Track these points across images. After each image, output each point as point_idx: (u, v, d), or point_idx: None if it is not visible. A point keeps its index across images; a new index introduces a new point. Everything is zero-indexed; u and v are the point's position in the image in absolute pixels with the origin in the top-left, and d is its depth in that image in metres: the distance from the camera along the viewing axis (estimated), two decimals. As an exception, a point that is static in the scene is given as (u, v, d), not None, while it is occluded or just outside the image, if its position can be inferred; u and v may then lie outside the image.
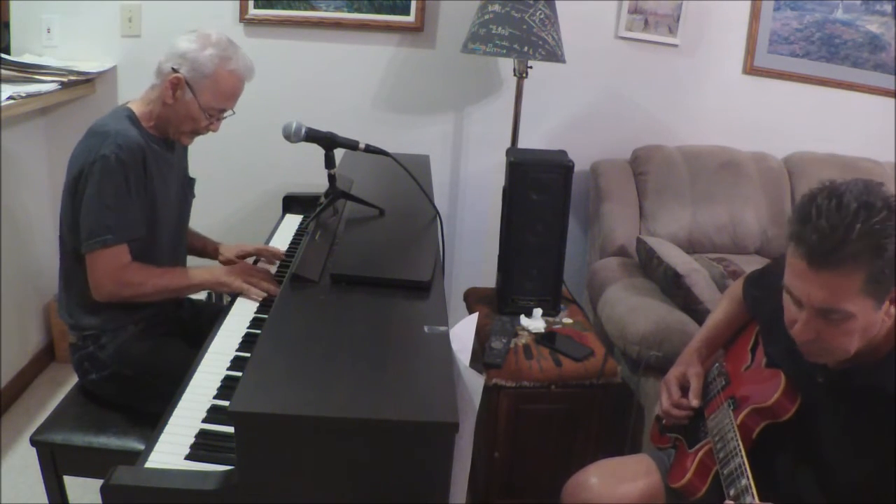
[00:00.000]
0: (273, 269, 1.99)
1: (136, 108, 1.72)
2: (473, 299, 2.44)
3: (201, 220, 2.09)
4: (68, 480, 1.67)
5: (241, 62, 1.73)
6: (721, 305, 1.61)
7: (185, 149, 1.90)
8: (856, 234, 1.03)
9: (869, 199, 1.05)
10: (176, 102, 1.68)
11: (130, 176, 1.60)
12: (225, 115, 1.77)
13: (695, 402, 1.45)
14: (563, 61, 2.44)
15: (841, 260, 1.04)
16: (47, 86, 2.40)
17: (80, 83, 2.58)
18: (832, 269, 1.05)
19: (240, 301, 1.73)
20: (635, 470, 1.51)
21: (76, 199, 1.61)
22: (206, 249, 2.10)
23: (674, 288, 2.21)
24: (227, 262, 2.04)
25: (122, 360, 1.68)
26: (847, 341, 1.10)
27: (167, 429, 1.27)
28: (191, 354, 1.52)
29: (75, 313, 1.70)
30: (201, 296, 2.21)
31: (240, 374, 1.24)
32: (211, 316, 1.76)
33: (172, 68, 1.67)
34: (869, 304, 1.06)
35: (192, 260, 2.05)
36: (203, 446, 1.23)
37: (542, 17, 2.35)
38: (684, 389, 1.49)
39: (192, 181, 1.94)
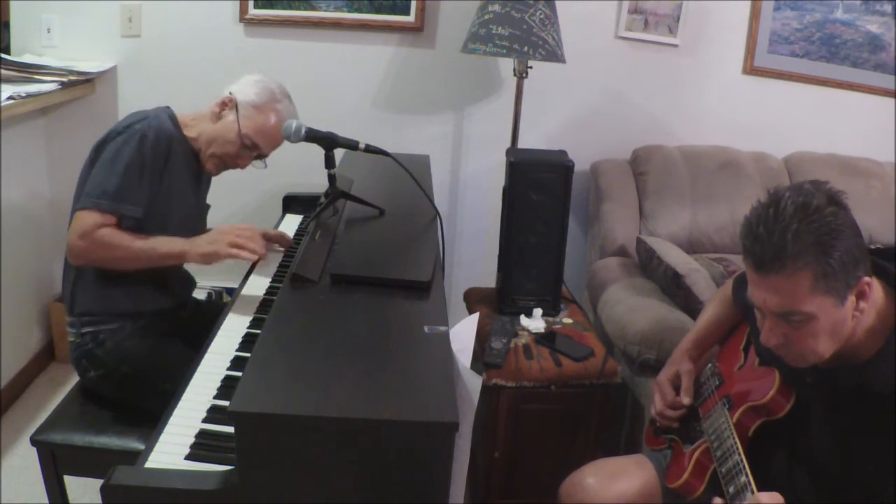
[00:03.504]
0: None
1: (181, 116, 1.79)
2: (473, 299, 2.44)
3: (201, 220, 2.09)
4: (68, 480, 1.67)
5: (287, 111, 1.82)
6: (710, 306, 1.61)
7: (209, 178, 1.93)
8: (792, 236, 1.04)
9: (806, 199, 1.06)
10: (219, 121, 1.77)
11: (149, 157, 1.62)
12: (256, 156, 1.83)
13: (685, 400, 1.46)
14: (563, 61, 2.45)
15: (783, 263, 1.05)
16: (47, 86, 2.40)
17: (80, 83, 2.58)
18: (777, 273, 1.06)
19: (240, 301, 1.72)
20: (632, 470, 1.51)
21: (91, 168, 1.63)
22: None
23: (674, 288, 2.22)
24: None
25: (121, 357, 1.68)
26: (814, 343, 1.11)
27: (167, 429, 1.27)
28: (189, 354, 1.52)
29: (78, 299, 1.70)
30: (202, 296, 2.21)
31: (240, 374, 1.24)
32: (211, 316, 1.75)
33: (230, 92, 1.78)
34: (828, 303, 1.07)
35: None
36: (203, 446, 1.23)
37: (542, 17, 2.35)
38: (677, 390, 1.50)
39: (206, 207, 1.98)
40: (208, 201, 2.00)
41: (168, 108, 1.80)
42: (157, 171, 1.65)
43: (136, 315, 1.73)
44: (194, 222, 1.88)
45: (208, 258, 1.64)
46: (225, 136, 1.77)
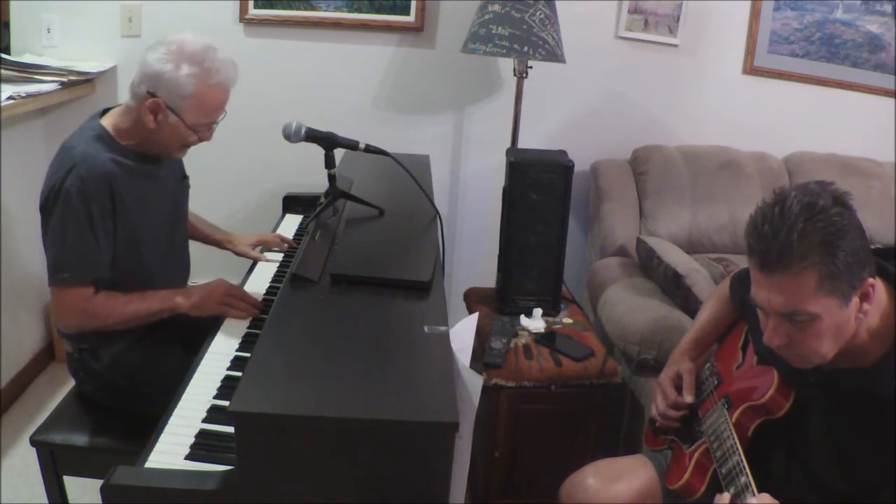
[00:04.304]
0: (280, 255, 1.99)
1: (112, 124, 1.61)
2: (473, 299, 2.44)
3: (201, 220, 2.09)
4: (68, 480, 1.67)
5: (223, 73, 1.58)
6: (708, 305, 1.61)
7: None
8: (798, 235, 1.04)
9: (812, 199, 1.06)
10: (159, 126, 1.56)
11: (94, 209, 1.51)
12: (217, 122, 1.67)
13: (688, 398, 1.45)
14: (563, 61, 2.45)
15: (789, 262, 1.05)
16: (47, 86, 2.40)
17: (80, 83, 2.58)
18: (783, 273, 1.06)
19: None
20: (632, 470, 1.51)
21: (44, 226, 1.56)
22: (217, 239, 2.08)
23: (674, 288, 2.22)
24: (242, 254, 2.05)
25: (117, 370, 1.67)
26: (818, 344, 1.10)
27: (167, 429, 1.28)
28: (186, 361, 1.51)
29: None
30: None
31: (240, 374, 1.24)
32: (211, 317, 1.75)
33: (148, 91, 1.53)
34: (832, 303, 1.07)
35: (203, 253, 2.06)
36: (203, 446, 1.24)
37: (542, 17, 2.35)
38: (678, 389, 1.49)
39: (182, 182, 1.88)
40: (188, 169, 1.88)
41: (95, 122, 1.60)
42: (106, 216, 1.54)
43: (131, 327, 1.68)
44: (171, 218, 1.78)
45: (200, 311, 1.65)
46: (176, 135, 1.59)
